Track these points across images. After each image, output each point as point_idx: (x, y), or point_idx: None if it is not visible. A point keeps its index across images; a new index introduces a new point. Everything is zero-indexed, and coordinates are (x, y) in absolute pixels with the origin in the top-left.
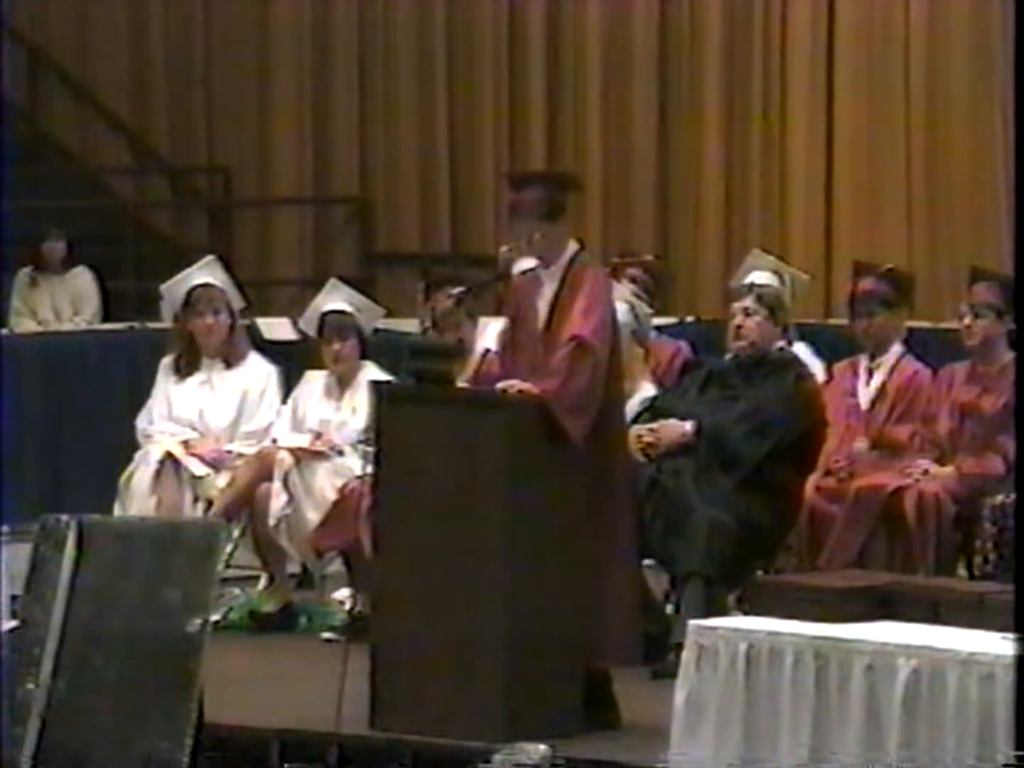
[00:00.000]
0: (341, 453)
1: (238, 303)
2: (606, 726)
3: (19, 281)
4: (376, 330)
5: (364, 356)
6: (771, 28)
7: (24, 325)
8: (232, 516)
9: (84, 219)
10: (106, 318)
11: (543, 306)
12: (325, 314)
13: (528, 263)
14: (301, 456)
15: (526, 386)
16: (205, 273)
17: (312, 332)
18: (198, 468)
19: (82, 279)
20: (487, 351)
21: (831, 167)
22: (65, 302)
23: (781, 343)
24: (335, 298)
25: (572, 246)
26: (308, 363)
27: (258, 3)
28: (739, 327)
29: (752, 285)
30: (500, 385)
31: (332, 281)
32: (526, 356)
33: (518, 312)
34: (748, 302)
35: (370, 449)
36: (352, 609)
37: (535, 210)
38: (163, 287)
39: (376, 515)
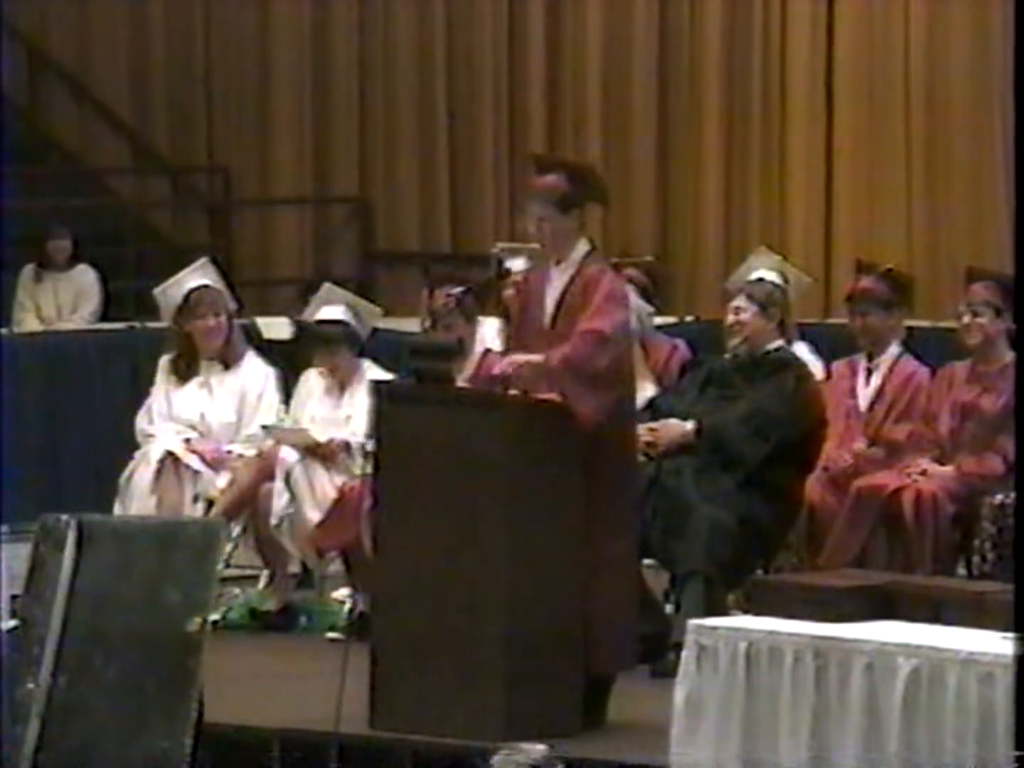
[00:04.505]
0: (348, 448)
1: (232, 304)
2: (591, 726)
3: (23, 276)
4: (375, 330)
5: (362, 354)
6: (771, 28)
7: (28, 320)
8: (233, 516)
9: (84, 219)
10: (106, 317)
11: (550, 303)
12: (319, 323)
13: (521, 263)
14: (304, 448)
15: (534, 358)
16: (200, 275)
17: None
18: (199, 467)
19: (85, 277)
20: (487, 351)
21: (831, 167)
22: (68, 299)
23: (781, 342)
24: (330, 305)
25: (583, 245)
26: (307, 362)
27: (258, 3)
28: (731, 324)
29: (746, 283)
30: (504, 363)
31: (327, 286)
32: (529, 352)
33: (523, 307)
34: (739, 300)
35: (370, 448)
36: (352, 609)
37: (548, 196)
38: (156, 291)
39: (376, 514)
